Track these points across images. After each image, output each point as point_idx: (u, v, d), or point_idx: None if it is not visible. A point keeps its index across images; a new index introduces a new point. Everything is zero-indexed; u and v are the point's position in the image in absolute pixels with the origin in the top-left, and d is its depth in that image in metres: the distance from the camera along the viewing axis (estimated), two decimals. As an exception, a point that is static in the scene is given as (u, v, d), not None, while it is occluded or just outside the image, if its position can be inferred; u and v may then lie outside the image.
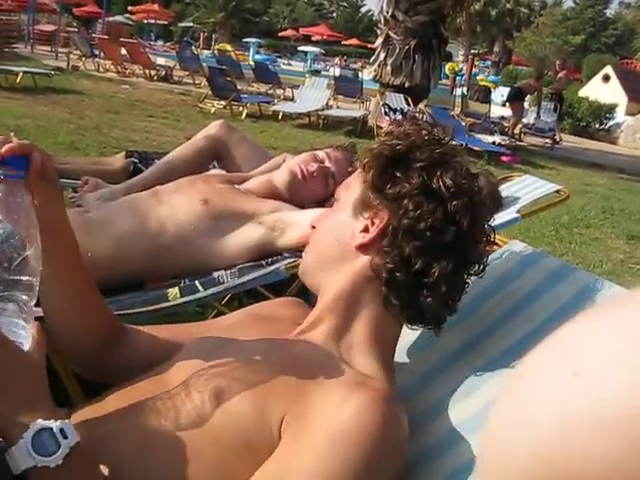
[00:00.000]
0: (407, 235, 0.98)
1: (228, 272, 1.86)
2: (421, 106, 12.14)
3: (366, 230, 1.05)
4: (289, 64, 34.26)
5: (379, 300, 1.02)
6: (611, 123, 21.01)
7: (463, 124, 12.70)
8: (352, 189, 1.09)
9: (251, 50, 34.93)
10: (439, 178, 0.99)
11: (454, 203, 0.98)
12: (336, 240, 1.08)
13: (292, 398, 0.84)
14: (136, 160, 3.03)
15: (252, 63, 18.66)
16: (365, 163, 1.06)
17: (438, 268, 0.97)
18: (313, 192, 2.11)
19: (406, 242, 0.99)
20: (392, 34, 12.02)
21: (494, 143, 11.77)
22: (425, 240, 0.97)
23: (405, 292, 0.99)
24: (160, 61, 18.06)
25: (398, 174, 1.01)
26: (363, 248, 1.04)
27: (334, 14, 72.64)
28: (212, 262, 1.91)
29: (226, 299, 2.54)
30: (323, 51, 39.94)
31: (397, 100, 11.72)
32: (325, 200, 2.10)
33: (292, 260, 1.85)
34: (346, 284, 1.04)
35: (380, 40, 12.34)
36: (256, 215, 1.95)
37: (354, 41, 46.00)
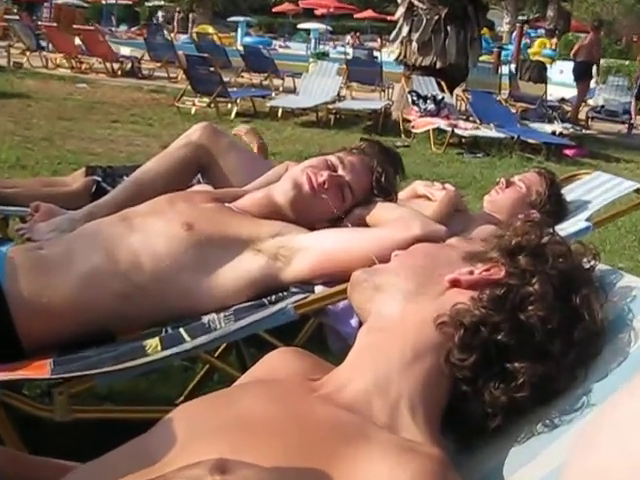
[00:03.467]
0: (518, 303, 1.05)
1: (221, 315, 1.84)
2: (458, 91, 12.15)
3: (470, 273, 1.11)
4: (287, 47, 34.63)
5: (442, 351, 1.04)
6: None
7: (513, 111, 12.71)
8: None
9: (239, 31, 35.41)
10: (580, 296, 1.06)
11: (579, 326, 1.05)
12: (430, 264, 1.16)
13: None
14: (99, 178, 3.05)
15: (241, 48, 18.64)
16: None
17: (527, 366, 1.02)
18: (324, 208, 2.08)
19: (512, 310, 1.04)
20: (416, 2, 12.09)
21: (554, 133, 11.74)
22: (532, 325, 1.03)
23: (476, 357, 1.03)
24: (125, 51, 18.24)
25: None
26: (456, 285, 1.10)
27: (342, -20, 72.90)
28: (200, 303, 1.90)
29: (220, 350, 2.53)
30: (330, 28, 40.16)
31: (427, 85, 11.77)
32: (339, 219, 2.09)
33: (302, 297, 1.83)
34: (413, 318, 1.08)
35: (402, 10, 12.43)
36: (254, 241, 1.95)
37: (369, 13, 45.52)
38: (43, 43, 17.27)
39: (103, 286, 1.87)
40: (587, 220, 2.31)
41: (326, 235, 1.99)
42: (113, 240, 1.96)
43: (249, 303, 1.89)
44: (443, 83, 11.81)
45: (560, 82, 18.67)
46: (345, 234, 1.97)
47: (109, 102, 11.81)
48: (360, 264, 1.27)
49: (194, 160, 2.56)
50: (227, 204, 2.13)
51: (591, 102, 15.51)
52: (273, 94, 13.84)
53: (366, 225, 2.03)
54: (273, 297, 1.89)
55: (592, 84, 15.60)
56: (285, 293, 1.90)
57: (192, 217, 1.99)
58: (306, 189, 2.07)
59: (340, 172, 2.12)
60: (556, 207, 2.75)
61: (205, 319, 1.85)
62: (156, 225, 1.98)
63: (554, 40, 33.23)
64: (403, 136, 10.98)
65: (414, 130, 10.72)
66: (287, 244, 1.95)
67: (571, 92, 15.73)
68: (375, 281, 1.16)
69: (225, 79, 11.96)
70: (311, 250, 1.91)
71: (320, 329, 2.55)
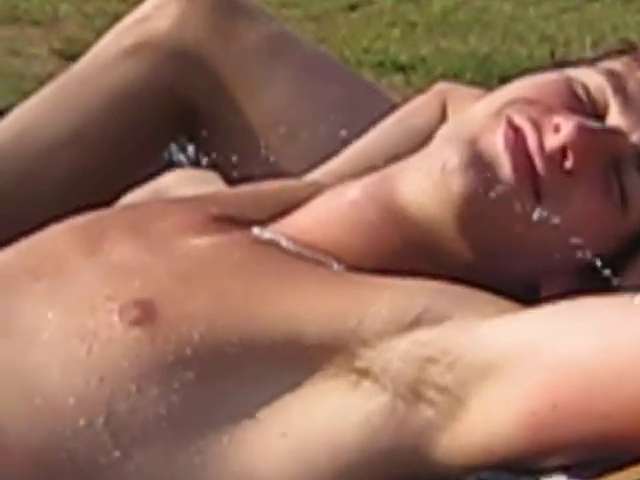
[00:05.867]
0: None
1: None
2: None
3: None
4: None
5: None
6: None
7: None
8: None
9: None
10: None
11: None
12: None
13: None
14: None
15: None
16: None
17: None
18: (569, 226, 0.96)
19: None
20: None
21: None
22: None
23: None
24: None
25: None
26: None
27: None
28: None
29: None
30: None
31: None
32: (609, 261, 1.01)
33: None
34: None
35: None
36: (348, 346, 0.89)
37: None
38: None
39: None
40: None
41: (567, 323, 0.86)
42: None
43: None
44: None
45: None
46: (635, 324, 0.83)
47: None
48: None
49: (165, 95, 1.40)
50: (262, 231, 1.00)
51: None
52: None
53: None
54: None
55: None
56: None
57: (155, 286, 0.92)
58: (509, 169, 0.90)
59: (616, 121, 0.98)
60: None
61: None
62: (41, 320, 0.90)
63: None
64: None
65: None
66: (446, 345, 0.84)
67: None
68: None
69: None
70: (526, 370, 0.82)
71: None
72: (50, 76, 1.91)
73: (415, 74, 3.67)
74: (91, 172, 1.37)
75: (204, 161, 1.42)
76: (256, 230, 0.92)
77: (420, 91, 1.45)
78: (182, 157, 1.48)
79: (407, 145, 1.17)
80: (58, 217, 0.95)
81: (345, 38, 3.97)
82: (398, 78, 3.69)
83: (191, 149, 1.48)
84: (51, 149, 1.38)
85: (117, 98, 1.39)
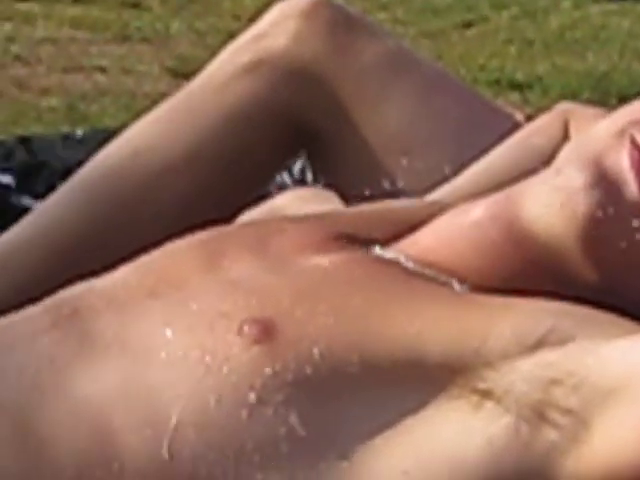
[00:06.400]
0: None
1: None
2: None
3: None
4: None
5: None
6: None
7: None
8: None
9: None
10: None
11: None
12: None
13: None
14: None
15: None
16: None
17: None
18: None
19: None
20: None
21: None
22: None
23: None
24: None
25: None
26: None
27: None
28: None
29: None
30: None
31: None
32: None
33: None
34: None
35: None
36: (470, 367, 0.81)
37: None
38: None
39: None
40: None
41: None
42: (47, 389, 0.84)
43: None
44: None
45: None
46: None
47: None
48: None
49: (282, 114, 1.39)
50: (383, 250, 0.94)
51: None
52: None
53: None
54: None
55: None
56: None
57: (274, 304, 0.88)
58: (635, 189, 0.84)
59: None
60: None
61: None
62: (158, 338, 0.85)
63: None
64: None
65: None
66: (571, 367, 0.78)
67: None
68: None
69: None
70: None
71: None
72: (162, 94, 1.91)
73: (531, 92, 3.62)
74: (205, 193, 1.36)
75: (320, 180, 1.43)
76: (377, 249, 0.91)
77: (538, 110, 1.43)
78: (288, 178, 1.58)
79: (529, 165, 1.20)
80: (176, 235, 0.92)
81: (461, 56, 3.96)
82: (514, 96, 3.63)
83: (296, 169, 1.57)
84: (164, 171, 1.38)
85: (233, 118, 1.38)
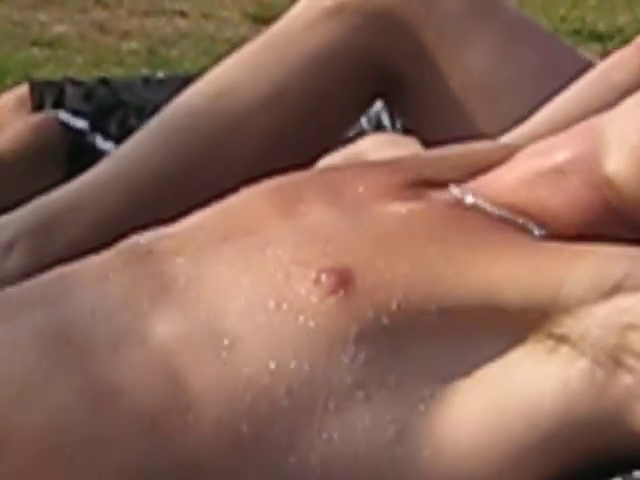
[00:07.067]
0: None
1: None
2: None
3: None
4: None
5: None
6: None
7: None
8: None
9: None
10: None
11: None
12: None
13: None
14: (68, 114, 1.85)
15: None
16: None
17: None
18: None
19: None
20: None
21: None
22: None
23: None
24: None
25: None
26: None
27: None
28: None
29: None
30: None
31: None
32: None
33: None
34: None
35: None
36: (548, 312, 0.81)
37: None
38: None
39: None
40: None
41: None
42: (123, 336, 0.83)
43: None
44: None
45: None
46: None
47: None
48: None
49: (363, 58, 1.36)
50: (460, 191, 0.93)
51: None
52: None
53: None
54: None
55: None
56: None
57: (351, 253, 0.89)
58: None
59: None
60: None
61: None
62: (233, 284, 0.86)
63: None
64: None
65: None
66: None
67: None
68: None
69: None
70: None
71: None
72: (242, 40, 1.90)
73: (612, 43, 3.55)
74: (286, 136, 1.33)
75: (398, 124, 1.42)
76: (454, 190, 0.90)
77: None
78: (365, 123, 1.55)
79: (606, 100, 1.15)
80: (253, 180, 0.92)
81: (542, 6, 3.88)
82: (595, 47, 3.54)
83: (372, 113, 1.54)
84: (246, 112, 1.35)
85: (316, 61, 1.35)
